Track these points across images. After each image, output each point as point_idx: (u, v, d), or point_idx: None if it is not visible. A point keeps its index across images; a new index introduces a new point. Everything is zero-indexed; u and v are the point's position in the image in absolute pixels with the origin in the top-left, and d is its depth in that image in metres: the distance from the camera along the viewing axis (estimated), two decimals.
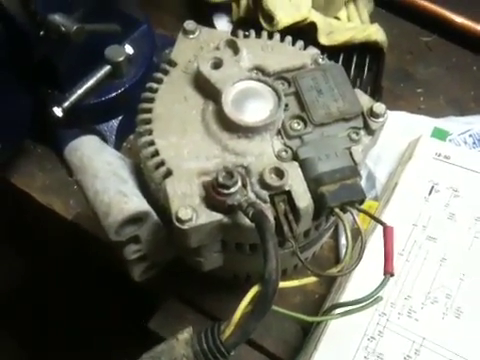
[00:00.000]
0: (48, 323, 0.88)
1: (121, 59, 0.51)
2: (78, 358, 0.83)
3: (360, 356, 0.40)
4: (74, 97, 0.50)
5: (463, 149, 0.51)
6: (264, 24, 0.56)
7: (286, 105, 0.38)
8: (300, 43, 0.42)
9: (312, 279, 0.34)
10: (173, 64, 0.41)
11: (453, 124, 0.54)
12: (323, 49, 0.55)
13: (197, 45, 0.41)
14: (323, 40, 0.56)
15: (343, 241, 0.48)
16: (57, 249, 0.74)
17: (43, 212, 0.53)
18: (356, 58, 0.58)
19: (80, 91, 0.50)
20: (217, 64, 0.39)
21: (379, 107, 0.38)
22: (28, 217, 0.63)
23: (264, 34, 0.43)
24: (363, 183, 0.51)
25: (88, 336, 0.82)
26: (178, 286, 0.47)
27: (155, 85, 0.40)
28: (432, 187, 0.47)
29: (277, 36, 0.43)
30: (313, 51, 0.42)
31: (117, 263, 0.41)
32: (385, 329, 0.41)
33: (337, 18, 0.61)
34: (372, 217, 0.35)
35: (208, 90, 0.38)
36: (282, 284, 0.32)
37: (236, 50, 0.40)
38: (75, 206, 0.52)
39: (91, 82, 0.50)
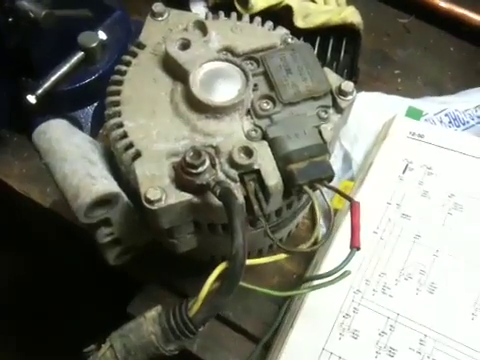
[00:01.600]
0: (36, 316, 0.88)
1: (94, 45, 0.51)
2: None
3: (335, 333, 0.40)
4: (48, 84, 0.49)
5: (436, 127, 0.52)
6: (239, 8, 0.56)
7: (255, 85, 0.38)
8: (269, 24, 0.42)
9: (282, 256, 0.34)
10: (142, 46, 0.41)
11: (429, 104, 0.55)
12: (299, 32, 0.55)
13: (166, 27, 0.41)
14: (299, 23, 0.56)
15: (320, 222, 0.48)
16: (39, 237, 0.74)
17: (20, 200, 0.53)
18: (333, 41, 0.57)
19: (53, 78, 0.50)
20: (185, 45, 0.39)
21: (347, 85, 0.38)
22: (7, 205, 0.63)
23: (233, 15, 0.43)
24: (340, 164, 0.52)
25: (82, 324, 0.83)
26: (157, 270, 0.47)
27: (124, 67, 0.40)
28: (406, 165, 0.47)
29: (246, 17, 0.43)
30: (282, 31, 0.42)
31: (95, 248, 0.41)
32: (360, 306, 0.41)
33: (313, 1, 0.61)
34: (340, 193, 0.35)
35: (176, 71, 0.39)
36: (252, 261, 0.33)
37: (205, 31, 0.40)
38: (52, 194, 0.52)
39: (64, 69, 0.50)
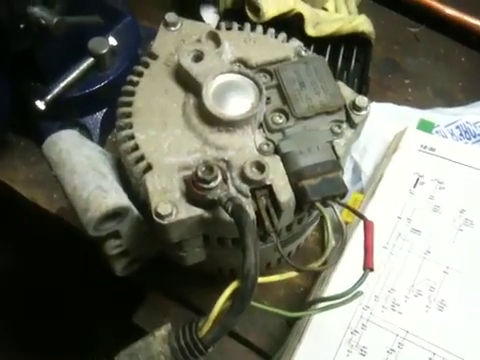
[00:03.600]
0: (38, 319, 0.88)
1: (104, 51, 0.50)
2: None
3: (343, 349, 0.40)
4: (57, 90, 0.49)
5: (448, 141, 0.51)
6: (250, 15, 0.55)
7: (268, 98, 0.38)
8: (283, 35, 0.42)
9: (293, 274, 0.34)
10: (154, 57, 0.40)
11: (440, 115, 0.54)
12: (310, 40, 0.55)
13: (179, 38, 0.41)
14: (310, 31, 0.56)
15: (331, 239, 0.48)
16: (43, 242, 0.74)
17: (27, 205, 0.52)
18: (343, 49, 0.57)
19: (63, 84, 0.49)
20: (198, 57, 0.38)
21: (361, 100, 0.37)
22: (13, 211, 0.62)
23: (247, 26, 0.42)
24: (349, 175, 0.51)
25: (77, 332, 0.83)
26: (162, 280, 0.47)
27: (135, 78, 0.39)
28: (417, 179, 0.47)
29: (260, 28, 0.42)
30: (296, 43, 0.41)
31: (100, 256, 0.41)
32: (368, 322, 0.41)
33: (324, 9, 0.61)
34: (353, 211, 0.35)
35: (189, 83, 0.38)
36: (263, 279, 0.32)
37: (218, 42, 0.39)
38: (59, 199, 0.51)
39: (74, 75, 0.50)
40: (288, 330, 0.45)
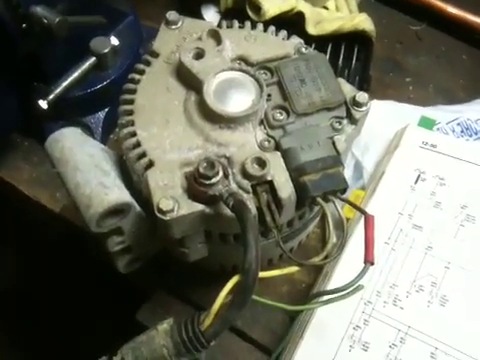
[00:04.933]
0: (39, 319, 0.88)
1: (106, 51, 0.50)
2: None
3: (345, 345, 0.40)
4: (59, 90, 0.49)
5: (449, 138, 0.51)
6: (251, 14, 0.56)
7: (269, 95, 0.38)
8: (283, 33, 0.42)
9: (294, 268, 0.34)
10: (155, 55, 0.40)
11: (441, 113, 0.54)
12: (311, 39, 0.55)
13: (180, 36, 0.41)
14: (311, 30, 0.56)
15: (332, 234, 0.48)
16: (46, 241, 0.74)
17: (30, 205, 0.53)
18: (344, 48, 0.57)
19: (65, 83, 0.49)
20: (199, 54, 0.38)
21: (362, 96, 0.38)
22: (15, 211, 0.63)
23: (247, 24, 0.43)
24: (351, 173, 0.52)
25: (78, 330, 0.83)
26: (166, 278, 0.47)
27: (137, 76, 0.40)
28: (418, 176, 0.47)
29: (260, 26, 0.42)
30: (296, 41, 0.42)
31: (103, 255, 0.41)
32: (370, 318, 0.41)
33: (325, 8, 0.61)
34: (354, 206, 0.35)
35: (190, 81, 0.38)
36: (264, 273, 0.33)
37: (218, 40, 0.40)
38: (62, 198, 0.52)
39: (76, 74, 0.50)
40: (291, 326, 0.45)
